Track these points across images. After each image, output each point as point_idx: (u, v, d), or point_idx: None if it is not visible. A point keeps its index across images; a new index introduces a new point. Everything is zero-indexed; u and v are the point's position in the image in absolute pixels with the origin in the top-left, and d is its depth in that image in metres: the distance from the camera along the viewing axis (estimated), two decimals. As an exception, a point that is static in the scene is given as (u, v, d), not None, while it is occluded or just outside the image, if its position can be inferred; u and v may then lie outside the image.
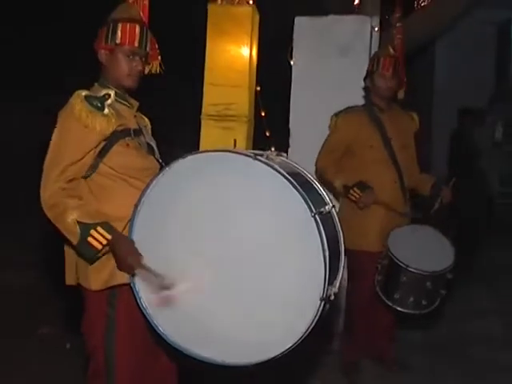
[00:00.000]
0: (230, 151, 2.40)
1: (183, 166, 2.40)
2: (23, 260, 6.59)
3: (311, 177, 2.58)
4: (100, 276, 2.61)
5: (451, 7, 7.29)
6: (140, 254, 2.47)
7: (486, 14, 10.30)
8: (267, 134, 6.62)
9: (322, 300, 2.26)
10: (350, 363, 4.31)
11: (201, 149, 4.61)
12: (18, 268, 6.40)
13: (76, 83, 2.69)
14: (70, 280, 2.74)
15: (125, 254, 2.47)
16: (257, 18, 4.96)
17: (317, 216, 2.24)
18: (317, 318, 2.28)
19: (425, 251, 3.92)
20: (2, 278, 6.16)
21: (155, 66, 2.98)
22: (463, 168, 8.36)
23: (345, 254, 2.59)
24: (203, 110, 4.82)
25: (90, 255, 2.52)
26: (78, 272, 2.69)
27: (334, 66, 4.88)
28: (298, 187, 2.24)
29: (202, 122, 4.82)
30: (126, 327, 2.65)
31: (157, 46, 2.96)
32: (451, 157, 8.82)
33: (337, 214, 2.62)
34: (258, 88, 5.77)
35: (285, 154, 2.62)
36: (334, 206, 2.54)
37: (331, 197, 4.21)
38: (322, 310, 2.29)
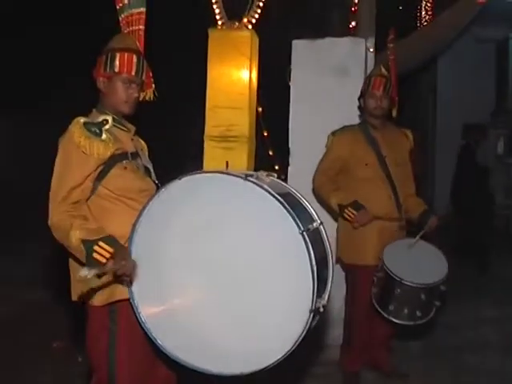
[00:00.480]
0: (221, 172, 2.56)
1: (178, 187, 2.55)
2: (33, 276, 6.75)
3: (300, 196, 2.74)
4: (103, 292, 2.74)
5: (451, 26, 7.46)
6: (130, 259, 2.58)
7: (486, 33, 10.51)
8: (270, 153, 6.80)
9: (311, 312, 2.40)
10: (350, 374, 4.42)
11: (204, 168, 4.76)
12: (28, 284, 6.57)
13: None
14: (75, 296, 2.88)
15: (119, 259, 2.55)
16: (256, 41, 5.12)
17: (305, 233, 2.39)
18: (306, 329, 2.42)
19: (419, 264, 4.04)
20: (13, 293, 6.33)
21: (149, 94, 3.14)
22: (471, 182, 8.51)
23: (333, 268, 2.70)
24: (206, 132, 4.98)
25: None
26: (81, 289, 2.82)
27: (330, 86, 5.01)
28: (287, 205, 2.39)
29: (205, 142, 4.98)
30: (127, 341, 2.78)
31: (151, 75, 3.11)
32: (458, 171, 8.94)
33: (326, 230, 2.75)
34: (260, 109, 5.95)
35: (275, 175, 2.76)
36: (321, 223, 2.68)
37: (326, 214, 4.42)
38: (312, 321, 2.44)
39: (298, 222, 2.38)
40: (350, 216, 4.17)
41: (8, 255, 7.75)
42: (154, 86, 3.13)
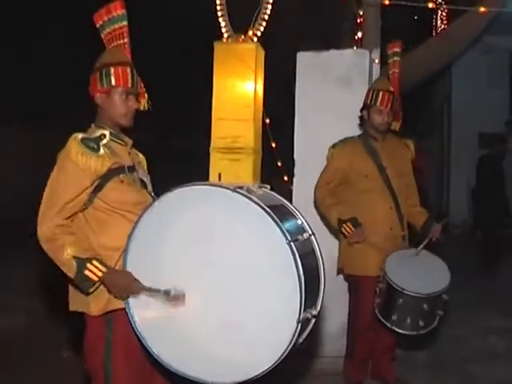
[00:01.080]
0: (211, 184, 2.62)
1: (171, 199, 2.62)
2: (41, 286, 6.83)
3: (292, 207, 2.78)
4: (99, 302, 2.81)
5: (460, 37, 7.47)
6: (137, 280, 2.68)
7: (499, 42, 10.49)
8: (279, 164, 6.82)
9: (298, 322, 2.43)
10: (354, 384, 4.46)
11: (210, 180, 4.81)
12: (36, 294, 6.66)
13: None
14: (72, 306, 2.94)
15: (126, 282, 2.68)
16: (261, 54, 5.16)
17: (292, 243, 2.42)
18: (294, 338, 2.45)
19: (421, 274, 4.06)
20: (21, 304, 6.44)
21: (143, 104, 3.19)
22: (491, 191, 8.52)
23: (325, 279, 2.72)
24: (212, 143, 5.03)
25: (86, 287, 2.73)
26: (79, 299, 2.88)
27: (335, 97, 5.05)
28: (274, 216, 2.43)
29: (211, 154, 5.02)
30: (123, 349, 2.84)
31: (143, 85, 3.17)
32: (480, 181, 8.97)
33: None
34: (268, 120, 5.98)
35: (268, 186, 2.81)
36: (313, 235, 2.71)
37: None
38: (300, 331, 2.47)
39: (286, 232, 2.41)
40: (347, 231, 4.19)
41: (15, 265, 7.85)
42: (146, 96, 3.18)
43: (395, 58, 4.77)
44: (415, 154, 4.56)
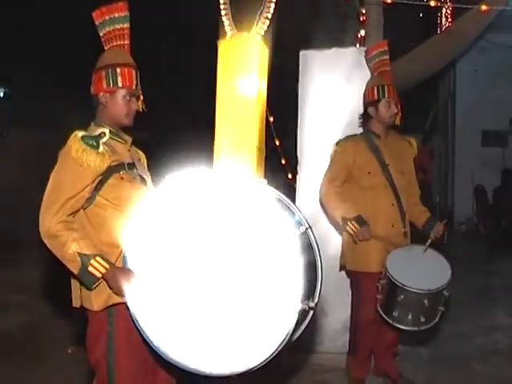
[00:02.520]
0: (209, 176, 2.65)
1: (165, 189, 2.67)
2: (47, 285, 6.92)
3: (289, 201, 2.79)
4: (101, 297, 2.85)
5: (462, 36, 7.47)
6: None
7: (504, 39, 10.46)
8: (283, 161, 6.86)
9: (297, 313, 2.46)
10: (356, 380, 4.47)
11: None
12: (43, 292, 6.77)
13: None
14: (75, 303, 2.98)
15: (127, 280, 2.72)
16: (265, 52, 5.19)
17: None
18: (292, 330, 2.48)
19: (422, 270, 4.06)
20: (28, 302, 6.52)
21: (140, 105, 3.21)
22: None
23: (322, 271, 2.74)
24: (215, 142, 5.06)
25: (90, 283, 2.78)
26: (81, 295, 2.94)
27: (337, 95, 5.09)
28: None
29: (215, 152, 5.05)
30: (125, 343, 2.87)
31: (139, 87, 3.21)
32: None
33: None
34: (272, 118, 6.01)
35: (265, 181, 2.83)
36: (310, 228, 2.73)
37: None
38: (297, 323, 2.50)
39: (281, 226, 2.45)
40: (352, 230, 4.20)
41: (23, 265, 7.91)
42: (142, 97, 3.21)
43: (384, 57, 4.72)
44: (421, 153, 4.56)
